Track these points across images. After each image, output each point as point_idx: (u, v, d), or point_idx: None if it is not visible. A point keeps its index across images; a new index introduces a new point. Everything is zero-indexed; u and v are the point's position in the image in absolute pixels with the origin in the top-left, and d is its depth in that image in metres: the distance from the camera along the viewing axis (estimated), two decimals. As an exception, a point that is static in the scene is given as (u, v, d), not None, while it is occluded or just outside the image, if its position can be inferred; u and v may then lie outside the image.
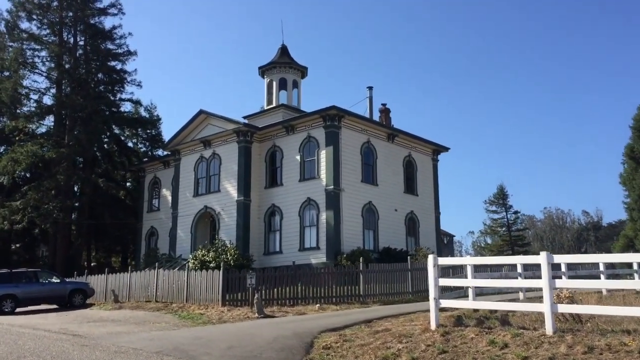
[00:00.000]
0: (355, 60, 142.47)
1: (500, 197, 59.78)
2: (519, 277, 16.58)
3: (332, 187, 30.67)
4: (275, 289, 20.02)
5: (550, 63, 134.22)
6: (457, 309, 13.78)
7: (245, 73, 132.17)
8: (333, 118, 31.46)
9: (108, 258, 58.18)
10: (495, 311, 13.63)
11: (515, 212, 60.31)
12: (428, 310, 15.74)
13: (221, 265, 28.25)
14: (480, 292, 16.31)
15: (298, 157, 32.73)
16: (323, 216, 30.84)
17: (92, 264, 50.32)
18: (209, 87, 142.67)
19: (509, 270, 21.28)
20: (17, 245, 50.20)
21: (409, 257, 25.40)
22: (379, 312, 16.56)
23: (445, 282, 12.36)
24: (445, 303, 11.72)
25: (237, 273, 20.53)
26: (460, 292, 18.40)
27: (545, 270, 9.84)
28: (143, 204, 42.01)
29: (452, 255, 39.66)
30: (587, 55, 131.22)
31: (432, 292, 11.41)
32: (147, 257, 37.69)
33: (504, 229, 59.43)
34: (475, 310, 14.02)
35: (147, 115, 52.21)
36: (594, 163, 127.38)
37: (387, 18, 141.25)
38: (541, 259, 10.00)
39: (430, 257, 11.49)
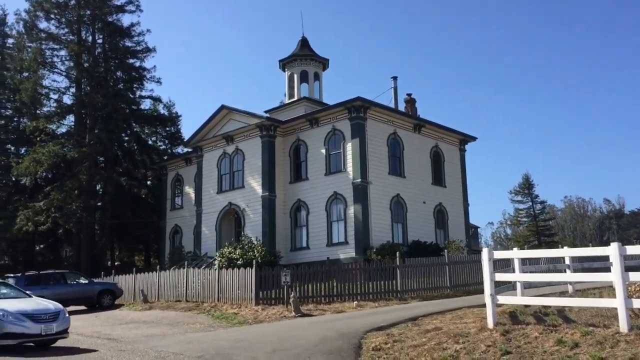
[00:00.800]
0: (376, 51, 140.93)
1: (526, 187, 58.60)
2: (566, 270, 15.78)
3: (360, 180, 29.97)
4: (310, 286, 19.41)
5: (574, 53, 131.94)
6: (503, 304, 13.09)
7: (265, 67, 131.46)
8: (358, 109, 30.73)
9: (131, 257, 58.15)
10: (548, 307, 12.89)
11: (542, 202, 59.17)
12: (475, 307, 15.13)
13: (251, 262, 27.98)
14: (529, 286, 15.55)
15: (323, 151, 32.07)
16: (351, 210, 30.17)
17: (115, 264, 50.26)
18: (229, 82, 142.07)
19: (545, 263, 20.54)
20: (41, 246, 50.30)
21: (446, 250, 24.52)
22: (421, 308, 15.87)
23: (504, 277, 11.55)
24: (503, 299, 10.97)
25: (271, 270, 19.97)
26: (508, 287, 17.64)
27: (617, 263, 9.09)
28: (166, 202, 41.64)
29: (478, 246, 38.83)
30: (609, 47, 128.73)
31: (487, 288, 10.71)
32: (172, 255, 37.35)
33: (529, 219, 58.22)
34: (526, 306, 13.28)
35: (166, 113, 51.85)
36: (615, 150, 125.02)
37: (409, 6, 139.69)
38: (612, 250, 9.26)
39: (485, 251, 10.78)
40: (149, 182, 49.33)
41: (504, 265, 17.93)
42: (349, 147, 30.86)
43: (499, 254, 11.70)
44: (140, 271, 28.49)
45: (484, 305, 15.19)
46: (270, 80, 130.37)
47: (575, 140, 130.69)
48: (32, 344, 12.30)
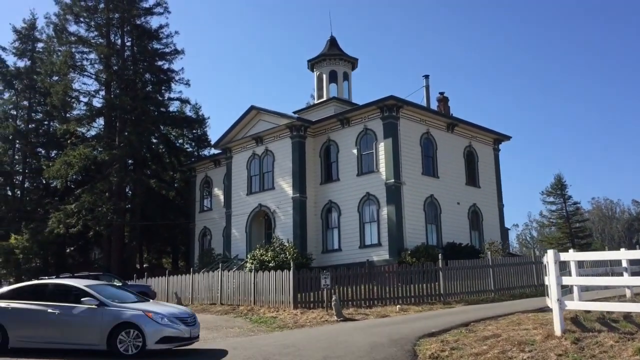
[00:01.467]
0: (405, 50, 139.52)
1: (558, 188, 57.25)
2: (624, 274, 15.05)
3: (393, 180, 29.38)
4: (349, 289, 18.88)
5: (614, 54, 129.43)
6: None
7: (293, 68, 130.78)
8: (391, 109, 30.16)
9: (159, 259, 58.24)
10: (611, 312, 12.20)
11: (575, 203, 57.75)
12: (530, 312, 14.48)
13: (282, 265, 27.65)
14: (585, 289, 14.84)
15: (355, 151, 31.55)
16: (384, 211, 29.59)
17: (144, 266, 50.27)
18: (256, 84, 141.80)
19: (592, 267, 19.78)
20: (72, 248, 50.53)
21: (488, 252, 23.71)
22: (469, 313, 15.25)
23: (571, 280, 10.86)
24: (572, 305, 10.30)
25: (309, 273, 19.50)
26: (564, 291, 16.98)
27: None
28: (195, 204, 41.46)
29: (509, 248, 37.78)
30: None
31: (554, 293, 10.06)
32: (202, 257, 37.12)
33: (562, 220, 56.87)
34: (587, 312, 12.60)
35: (193, 115, 51.72)
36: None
37: (438, 4, 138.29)
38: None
39: (551, 253, 10.14)
40: (176, 185, 49.26)
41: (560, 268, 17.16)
42: (381, 147, 30.29)
43: (567, 256, 11.02)
44: (170, 274, 28.32)
45: (539, 310, 14.64)
46: (299, 81, 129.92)
47: (602, 142, 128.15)
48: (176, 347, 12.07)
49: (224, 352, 11.47)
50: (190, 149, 52.99)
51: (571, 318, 11.91)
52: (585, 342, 9.41)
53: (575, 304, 10.56)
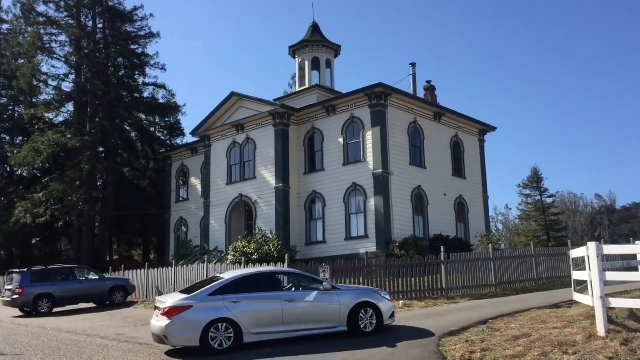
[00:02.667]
0: (388, 38, 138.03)
1: (535, 181, 57.33)
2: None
3: (381, 170, 28.48)
4: (348, 283, 17.88)
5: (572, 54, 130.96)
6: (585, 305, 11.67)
7: (273, 55, 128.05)
8: (379, 96, 29.20)
9: (129, 251, 56.47)
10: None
11: (551, 196, 57.93)
12: (546, 307, 13.72)
13: (266, 257, 26.58)
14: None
15: (341, 140, 30.54)
16: (371, 202, 28.69)
17: (114, 258, 48.54)
18: (235, 71, 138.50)
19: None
20: (38, 239, 48.51)
21: (490, 245, 22.89)
22: (481, 310, 14.43)
23: (617, 276, 10.04)
24: (616, 303, 9.48)
25: (305, 266, 18.42)
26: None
27: None
28: (170, 194, 39.94)
29: (500, 241, 37.25)
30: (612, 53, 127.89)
31: (597, 289, 9.22)
32: (179, 249, 35.73)
33: (538, 213, 56.97)
34: (610, 308, 11.87)
35: (168, 102, 49.93)
36: (606, 146, 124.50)
37: None
38: None
39: (592, 246, 9.31)
40: (150, 174, 47.55)
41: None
42: (369, 135, 29.35)
43: (610, 249, 10.22)
44: (149, 267, 27.00)
45: (554, 306, 13.88)
46: (277, 69, 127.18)
47: (569, 136, 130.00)
48: None
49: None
50: (163, 138, 51.27)
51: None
52: (635, 343, 8.61)
53: (621, 302, 9.71)
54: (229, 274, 12.17)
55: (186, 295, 11.03)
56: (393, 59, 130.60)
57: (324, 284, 12.05)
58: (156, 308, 11.20)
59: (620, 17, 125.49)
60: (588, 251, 9.45)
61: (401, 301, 16.73)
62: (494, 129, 36.08)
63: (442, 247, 19.60)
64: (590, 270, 9.42)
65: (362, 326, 11.67)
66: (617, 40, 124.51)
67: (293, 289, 12.02)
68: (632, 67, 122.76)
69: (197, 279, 21.72)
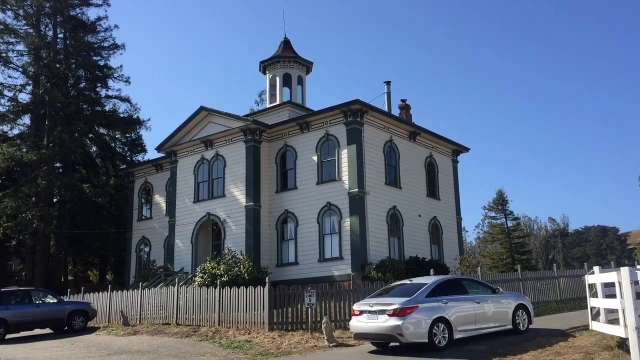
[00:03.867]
0: (360, 57, 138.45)
1: (500, 203, 57.39)
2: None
3: (357, 190, 27.60)
4: (332, 308, 16.76)
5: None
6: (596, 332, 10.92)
7: (240, 72, 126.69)
8: (355, 113, 28.44)
9: (85, 272, 53.87)
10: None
11: (516, 219, 58.00)
12: (551, 337, 12.90)
13: (236, 279, 25.20)
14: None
15: (315, 158, 29.58)
16: (346, 222, 27.72)
17: (69, 278, 46.08)
18: (201, 87, 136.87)
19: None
20: (-14, 258, 45.69)
21: (479, 268, 22.06)
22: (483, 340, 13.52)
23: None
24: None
25: (287, 290, 17.21)
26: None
27: None
28: (132, 212, 38.10)
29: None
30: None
31: (631, 320, 8.41)
32: (142, 270, 33.88)
33: (503, 236, 56.92)
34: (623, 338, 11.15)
35: (131, 116, 48.03)
36: (559, 170, 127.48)
37: (395, 9, 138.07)
38: None
39: (625, 271, 8.51)
40: (110, 191, 45.47)
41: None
42: (344, 154, 28.49)
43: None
44: (97, 288, 25.28)
45: (561, 335, 13.06)
46: (245, 86, 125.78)
47: (528, 159, 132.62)
48: None
49: None
50: (123, 154, 49.25)
51: (618, 344, 10.41)
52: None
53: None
54: (425, 279, 13.93)
55: (407, 298, 12.59)
56: (365, 78, 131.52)
57: (498, 288, 14.19)
58: (360, 313, 13.05)
59: (596, 37, 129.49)
60: (620, 277, 8.64)
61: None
62: (467, 149, 35.78)
63: (431, 270, 18.68)
64: (623, 298, 8.59)
65: (519, 325, 13.86)
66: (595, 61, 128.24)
67: (477, 293, 13.72)
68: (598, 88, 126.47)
69: (167, 302, 20.27)
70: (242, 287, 18.27)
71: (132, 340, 17.09)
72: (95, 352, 15.00)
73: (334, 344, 13.92)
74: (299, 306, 16.76)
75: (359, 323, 12.96)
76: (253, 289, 17.50)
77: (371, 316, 12.57)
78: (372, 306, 12.72)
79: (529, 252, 61.17)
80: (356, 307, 13.40)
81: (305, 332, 15.74)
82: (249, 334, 16.27)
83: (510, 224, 57.54)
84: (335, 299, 16.95)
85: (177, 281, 21.64)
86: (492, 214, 58.53)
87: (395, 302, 12.36)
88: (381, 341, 12.89)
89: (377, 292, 14.07)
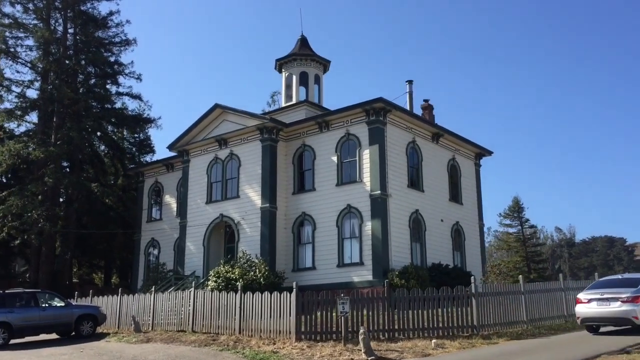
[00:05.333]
0: (378, 56, 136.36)
1: (515, 210, 55.93)
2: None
3: (379, 192, 26.28)
4: (364, 317, 15.39)
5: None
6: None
7: (255, 72, 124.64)
8: (378, 112, 27.15)
9: (90, 274, 52.56)
10: None
11: (532, 227, 56.53)
12: (613, 353, 11.53)
13: (252, 284, 23.86)
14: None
15: (334, 158, 28.28)
16: (367, 226, 26.39)
17: (73, 281, 44.77)
18: (212, 87, 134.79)
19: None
20: (-11, 259, 44.37)
21: (521, 276, 20.53)
22: (532, 355, 12.12)
23: None
24: None
25: (315, 296, 15.85)
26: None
27: None
28: (141, 213, 36.81)
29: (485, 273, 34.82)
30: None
31: None
32: (152, 273, 32.58)
33: (518, 244, 55.41)
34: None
35: (143, 114, 46.71)
36: (568, 179, 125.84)
37: (415, 6, 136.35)
38: None
39: None
40: (119, 191, 44.16)
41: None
42: (365, 154, 27.19)
43: None
44: (102, 291, 24.03)
45: (623, 352, 11.69)
46: (259, 87, 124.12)
47: (535, 168, 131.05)
48: None
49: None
50: (130, 155, 47.95)
51: None
52: None
53: None
54: (636, 275, 16.93)
55: (634, 288, 14.90)
56: (384, 78, 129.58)
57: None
58: (589, 300, 15.33)
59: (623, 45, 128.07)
60: None
61: (433, 340, 14.30)
62: (490, 152, 34.43)
63: (472, 277, 17.32)
64: None
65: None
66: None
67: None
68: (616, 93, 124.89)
69: (182, 307, 18.93)
70: (265, 292, 16.94)
71: (146, 349, 15.75)
72: (108, 362, 13.69)
73: (372, 357, 12.56)
74: (328, 314, 15.40)
75: (588, 309, 15.31)
76: (278, 294, 16.18)
77: (602, 303, 15.01)
78: (602, 295, 15.10)
79: (545, 261, 59.61)
80: (583, 295, 15.70)
81: (337, 343, 14.39)
82: (274, 344, 14.93)
83: (523, 231, 56.14)
84: (369, 307, 15.58)
85: (193, 285, 20.29)
86: (507, 221, 57.15)
87: (626, 292, 14.77)
88: (612, 324, 15.51)
89: (590, 286, 16.88)
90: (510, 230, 57.02)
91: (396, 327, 15.52)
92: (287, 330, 15.39)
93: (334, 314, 15.34)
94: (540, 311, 17.95)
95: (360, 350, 13.01)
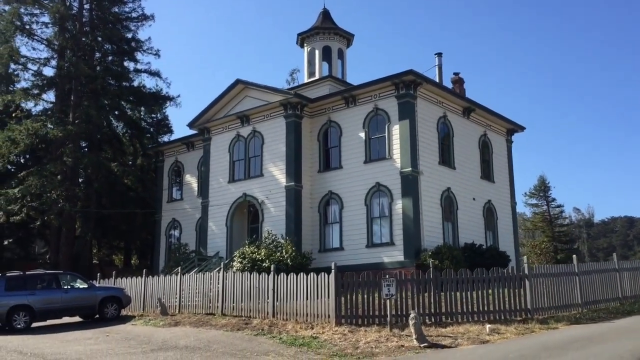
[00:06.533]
0: (403, 28, 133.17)
1: (542, 190, 54.59)
2: None
3: (410, 169, 25.11)
4: (409, 296, 14.35)
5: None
6: None
7: (274, 49, 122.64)
8: (408, 85, 25.87)
9: (109, 256, 52.10)
10: None
11: (559, 206, 55.22)
12: None
13: (279, 264, 22.93)
14: None
15: (362, 134, 27.12)
16: (398, 205, 25.28)
17: (93, 262, 44.26)
18: (230, 64, 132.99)
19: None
20: (10, 240, 43.99)
21: (575, 256, 19.23)
22: (607, 341, 11.00)
23: None
24: None
25: (356, 278, 14.83)
26: None
27: None
28: (161, 193, 35.98)
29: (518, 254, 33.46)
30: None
31: None
32: (172, 254, 31.80)
33: (544, 224, 54.15)
34: None
35: (157, 92, 45.63)
36: (586, 160, 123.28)
37: None
38: None
39: None
40: (138, 170, 43.30)
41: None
42: (395, 130, 26.00)
43: None
44: (122, 273, 23.27)
45: None
46: (278, 64, 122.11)
47: (553, 148, 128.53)
48: None
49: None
50: (149, 135, 47.02)
51: None
52: None
53: None
54: None
55: None
56: (409, 52, 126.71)
57: None
58: None
59: None
60: None
61: (487, 325, 13.24)
62: (522, 128, 33.03)
63: (524, 257, 16.19)
64: None
65: None
66: None
67: None
68: None
69: (210, 289, 18.04)
70: (301, 273, 15.95)
71: (176, 333, 14.88)
72: (136, 347, 12.80)
73: (425, 343, 11.54)
74: (368, 297, 14.37)
75: None
76: (315, 275, 15.19)
77: None
78: None
79: (573, 241, 58.29)
80: None
81: (381, 328, 13.40)
82: (312, 328, 13.97)
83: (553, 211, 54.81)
84: (419, 289, 14.49)
85: (222, 265, 19.36)
86: (533, 200, 55.87)
87: None
88: None
89: None
90: (536, 210, 55.79)
91: (443, 310, 14.50)
92: (325, 314, 14.41)
93: (375, 296, 14.32)
94: (595, 293, 16.77)
95: (409, 335, 12.02)
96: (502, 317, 14.62)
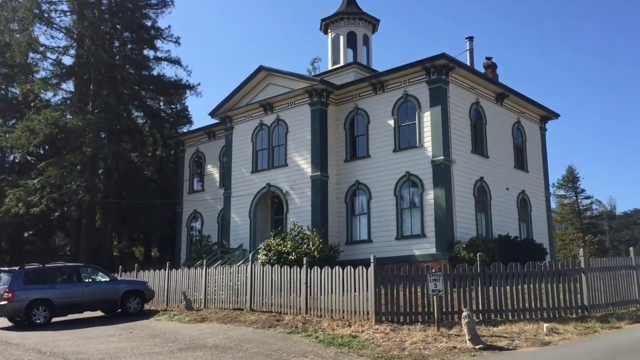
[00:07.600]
0: (427, 14, 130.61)
1: (570, 181, 53.02)
2: None
3: (442, 158, 23.98)
4: (456, 292, 13.29)
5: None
6: None
7: (295, 37, 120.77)
8: (440, 70, 24.68)
9: (129, 248, 51.58)
10: None
11: (588, 197, 53.68)
12: None
13: (315, 257, 22.03)
14: None
15: (391, 122, 26.00)
16: (429, 195, 24.18)
17: (114, 255, 43.70)
18: (251, 53, 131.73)
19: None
20: (30, 232, 43.63)
21: (632, 248, 18.00)
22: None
23: None
24: None
25: (397, 272, 13.79)
26: None
27: None
28: (182, 184, 35.21)
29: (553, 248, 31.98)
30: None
31: None
32: (194, 247, 31.00)
33: (573, 215, 52.65)
34: None
35: (178, 80, 44.75)
36: (607, 151, 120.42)
37: None
38: None
39: None
40: (158, 161, 42.56)
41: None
42: (426, 117, 24.86)
43: None
44: (142, 265, 22.47)
45: None
46: (301, 53, 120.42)
47: (577, 139, 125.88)
48: None
49: None
50: (168, 125, 46.21)
51: None
52: None
53: None
54: None
55: None
56: (435, 38, 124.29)
57: None
58: None
59: None
60: None
61: (545, 325, 12.14)
62: (557, 115, 31.65)
63: (580, 250, 15.02)
64: None
65: None
66: None
67: None
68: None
69: (238, 283, 17.11)
70: (336, 267, 14.94)
71: (203, 330, 13.98)
72: (162, 346, 11.91)
73: (480, 345, 10.50)
74: (410, 292, 13.34)
75: None
76: (352, 269, 14.18)
77: None
78: None
79: (603, 234, 56.69)
80: None
81: (426, 327, 12.37)
82: (349, 326, 12.98)
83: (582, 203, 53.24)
84: (465, 283, 13.41)
85: (250, 258, 18.44)
86: (561, 191, 54.33)
87: None
88: None
89: None
90: (564, 201, 54.26)
91: (492, 307, 13.42)
92: (363, 311, 13.41)
93: (417, 290, 13.29)
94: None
95: (458, 335, 11.00)
96: (557, 315, 13.51)
